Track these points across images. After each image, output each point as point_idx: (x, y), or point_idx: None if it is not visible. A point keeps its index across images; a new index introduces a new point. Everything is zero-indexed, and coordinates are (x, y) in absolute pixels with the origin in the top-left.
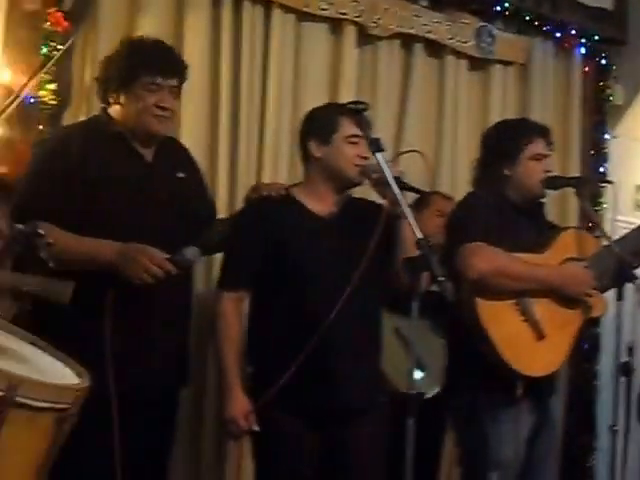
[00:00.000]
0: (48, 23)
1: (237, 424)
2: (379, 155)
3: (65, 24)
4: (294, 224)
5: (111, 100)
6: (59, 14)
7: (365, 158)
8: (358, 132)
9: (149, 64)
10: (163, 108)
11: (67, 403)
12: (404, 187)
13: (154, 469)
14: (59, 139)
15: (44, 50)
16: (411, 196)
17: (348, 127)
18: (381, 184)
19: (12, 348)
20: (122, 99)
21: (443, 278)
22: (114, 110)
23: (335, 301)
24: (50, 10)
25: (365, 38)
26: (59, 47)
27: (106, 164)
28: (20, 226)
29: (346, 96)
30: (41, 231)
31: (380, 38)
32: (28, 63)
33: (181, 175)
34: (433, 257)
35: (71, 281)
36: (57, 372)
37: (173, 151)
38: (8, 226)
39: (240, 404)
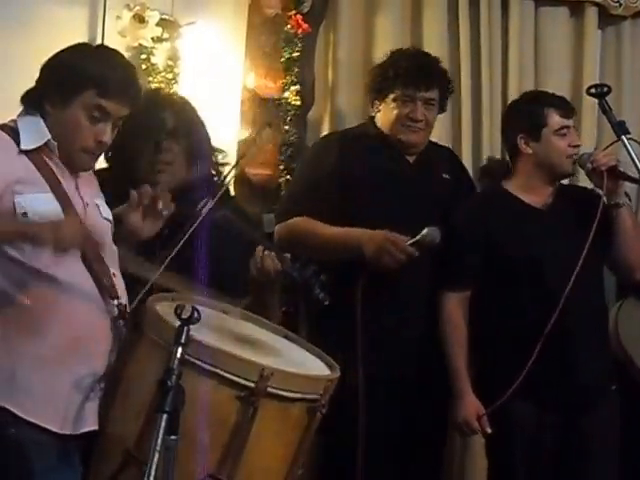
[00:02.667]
0: (289, 26)
1: (470, 426)
2: (625, 138)
3: (305, 26)
4: (514, 220)
5: (373, 107)
6: (299, 17)
7: (576, 147)
8: (566, 122)
9: (401, 77)
10: (414, 120)
11: (318, 394)
12: (621, 177)
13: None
14: (322, 145)
15: (286, 53)
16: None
17: (556, 119)
18: (597, 173)
19: (265, 341)
20: (380, 107)
21: None
22: (378, 116)
23: (563, 290)
24: (290, 13)
25: (607, 18)
26: (299, 49)
27: (369, 166)
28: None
29: (590, 81)
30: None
31: (623, 17)
32: (270, 67)
33: (446, 177)
34: None
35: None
36: (308, 364)
37: (439, 155)
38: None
39: (472, 407)
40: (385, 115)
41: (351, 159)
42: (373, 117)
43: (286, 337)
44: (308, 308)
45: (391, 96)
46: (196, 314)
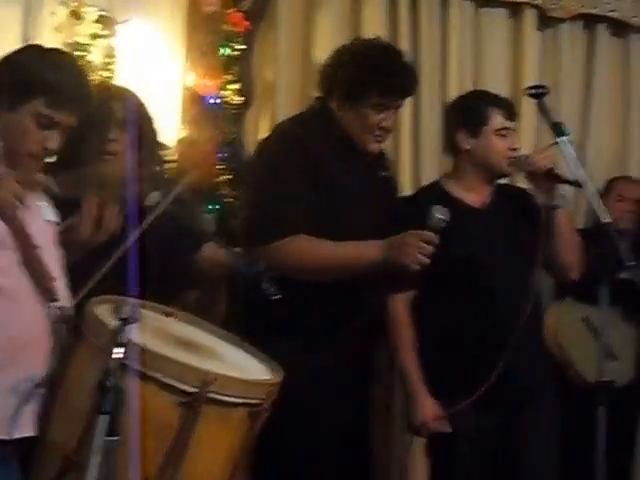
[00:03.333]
0: (228, 24)
1: (428, 428)
2: (562, 140)
3: (245, 24)
4: (453, 220)
5: (334, 101)
6: (238, 14)
7: (515, 150)
8: (508, 124)
9: (381, 84)
10: (384, 129)
11: (260, 398)
12: (558, 179)
13: None
14: (286, 137)
15: (225, 51)
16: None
17: (498, 119)
18: (535, 176)
19: (207, 344)
20: (346, 107)
21: (633, 263)
22: (341, 115)
23: (501, 290)
24: (229, 11)
25: (546, 21)
26: (239, 47)
27: (338, 165)
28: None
29: (528, 82)
30: (261, 266)
31: (562, 20)
32: (209, 65)
33: (386, 174)
34: (621, 242)
35: None
36: (251, 368)
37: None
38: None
39: (429, 408)
40: (355, 119)
41: (323, 162)
42: (326, 110)
43: (229, 341)
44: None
45: (365, 103)
46: (135, 314)
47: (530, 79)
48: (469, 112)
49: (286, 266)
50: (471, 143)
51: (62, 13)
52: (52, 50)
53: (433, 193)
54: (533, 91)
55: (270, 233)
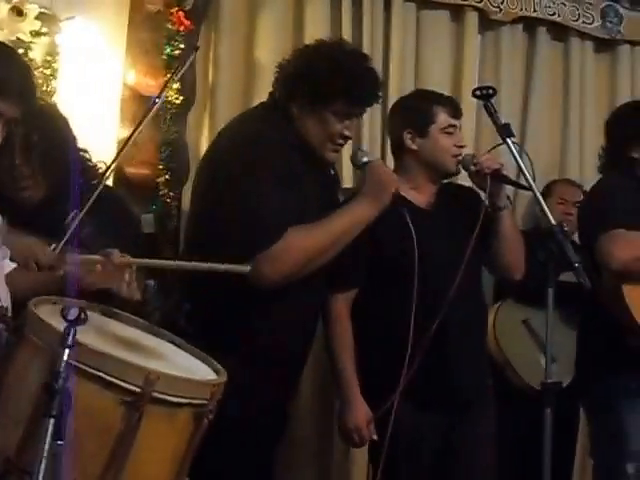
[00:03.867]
0: (170, 23)
1: (361, 433)
2: (509, 141)
3: (187, 23)
4: (399, 219)
5: (294, 104)
6: (181, 14)
7: (462, 147)
8: (453, 122)
9: (349, 93)
10: (346, 138)
11: (205, 399)
12: (504, 180)
13: None
14: (252, 150)
15: (167, 50)
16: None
17: (444, 117)
18: (480, 176)
19: (149, 345)
20: (309, 111)
21: (578, 264)
22: (300, 122)
23: (445, 290)
24: (172, 10)
25: (487, 23)
26: (182, 47)
27: (297, 179)
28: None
29: (469, 83)
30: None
31: (503, 23)
32: (151, 64)
33: (332, 172)
34: (567, 243)
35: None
36: (194, 368)
37: None
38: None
39: (362, 413)
40: (316, 125)
41: (296, 172)
42: (281, 110)
43: (172, 342)
44: None
45: (329, 108)
46: (83, 315)
47: (470, 81)
48: (415, 112)
49: (294, 261)
50: (418, 143)
51: (3, 9)
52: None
53: None
54: (480, 92)
55: (262, 237)
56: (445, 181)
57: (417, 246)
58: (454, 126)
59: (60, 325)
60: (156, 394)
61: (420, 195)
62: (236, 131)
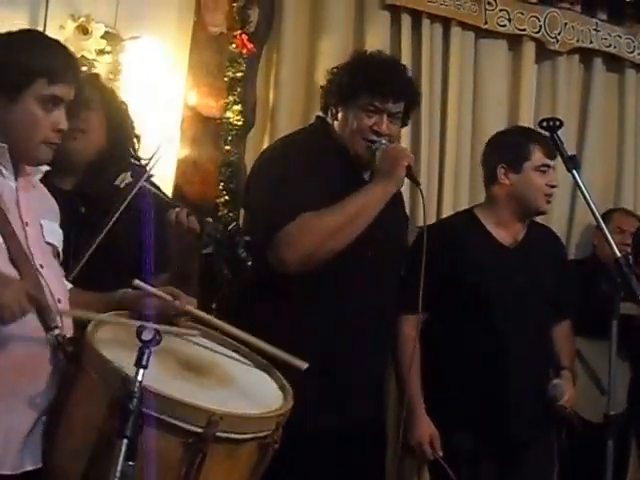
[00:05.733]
0: (233, 45)
1: (422, 449)
2: (575, 173)
3: (250, 46)
4: (477, 251)
5: (331, 113)
6: (244, 36)
7: (554, 187)
8: (548, 161)
9: (370, 84)
10: (378, 133)
11: (270, 429)
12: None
13: None
14: (291, 146)
15: (229, 72)
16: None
17: (539, 156)
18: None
19: (213, 362)
20: (340, 115)
21: None
22: (335, 124)
23: (516, 327)
24: (235, 33)
25: (544, 53)
26: (243, 69)
27: (330, 179)
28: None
29: (526, 113)
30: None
31: (559, 53)
32: (213, 85)
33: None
34: (632, 275)
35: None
36: (260, 391)
37: None
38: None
39: (426, 429)
40: (344, 124)
41: (324, 167)
42: (325, 124)
43: (236, 351)
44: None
45: (356, 104)
46: (158, 337)
47: (528, 109)
48: (511, 147)
49: (308, 240)
50: (511, 178)
51: (70, 27)
52: (32, 32)
53: (467, 220)
54: (546, 124)
55: (280, 219)
56: (536, 222)
57: (493, 282)
58: (548, 166)
59: (119, 358)
60: (220, 434)
61: (506, 231)
62: (275, 142)
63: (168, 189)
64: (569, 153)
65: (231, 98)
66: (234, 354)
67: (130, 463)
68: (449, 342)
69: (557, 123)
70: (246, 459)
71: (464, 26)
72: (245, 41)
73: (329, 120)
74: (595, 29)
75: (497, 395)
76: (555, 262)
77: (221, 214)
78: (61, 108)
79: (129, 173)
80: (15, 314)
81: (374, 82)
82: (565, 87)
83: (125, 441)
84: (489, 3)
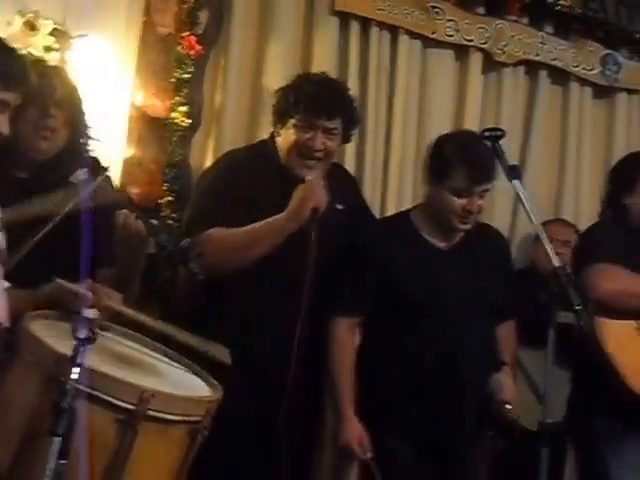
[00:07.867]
0: (181, 46)
1: (351, 449)
2: (516, 183)
3: (198, 48)
4: (407, 254)
5: (276, 131)
6: (192, 38)
7: (470, 212)
8: (469, 188)
9: (303, 102)
10: (312, 149)
11: (199, 415)
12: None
13: None
14: (227, 162)
15: (177, 73)
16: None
17: (460, 180)
18: None
19: (144, 360)
20: (281, 132)
21: (580, 307)
22: (278, 141)
23: (459, 330)
24: (184, 34)
25: (490, 64)
26: (191, 70)
27: (265, 193)
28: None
29: (471, 122)
30: (193, 242)
31: (505, 65)
32: (160, 86)
33: (340, 207)
34: (570, 285)
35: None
36: (189, 383)
37: (338, 181)
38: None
39: (354, 430)
40: (284, 140)
41: (256, 186)
42: (268, 143)
43: (165, 355)
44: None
45: (291, 121)
46: (92, 334)
47: (472, 119)
48: (440, 159)
49: (211, 252)
50: (430, 190)
51: (17, 23)
52: None
53: (401, 221)
54: (489, 133)
55: (197, 226)
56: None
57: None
58: (468, 191)
59: (53, 341)
60: (151, 412)
61: (438, 234)
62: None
63: None
64: (511, 163)
65: (177, 99)
66: (164, 357)
67: (62, 462)
68: (380, 343)
69: (499, 133)
70: (176, 443)
71: (412, 35)
72: (193, 42)
73: (277, 137)
74: (541, 42)
75: (438, 403)
76: (497, 262)
77: (164, 214)
78: (5, 113)
79: (85, 170)
80: None
81: (308, 98)
82: (510, 98)
83: (58, 439)
84: (437, 13)
